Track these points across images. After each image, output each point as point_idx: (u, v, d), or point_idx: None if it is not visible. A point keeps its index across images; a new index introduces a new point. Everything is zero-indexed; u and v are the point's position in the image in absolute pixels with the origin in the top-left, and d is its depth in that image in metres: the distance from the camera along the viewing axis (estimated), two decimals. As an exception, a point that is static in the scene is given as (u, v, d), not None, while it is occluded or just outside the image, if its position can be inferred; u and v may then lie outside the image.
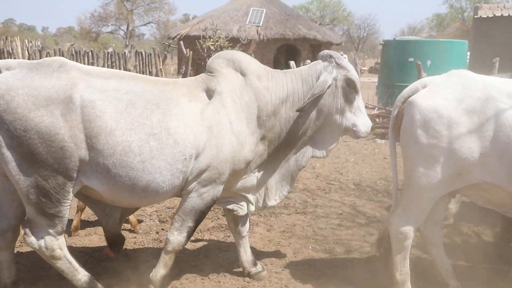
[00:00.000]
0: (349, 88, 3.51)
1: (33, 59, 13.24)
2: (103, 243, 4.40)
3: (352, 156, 8.69)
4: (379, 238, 3.65)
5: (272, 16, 23.85)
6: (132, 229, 4.71)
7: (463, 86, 3.10)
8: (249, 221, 3.93)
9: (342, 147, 9.12)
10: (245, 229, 3.76)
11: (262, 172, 3.58)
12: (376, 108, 12.25)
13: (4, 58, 12.06)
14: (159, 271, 3.34)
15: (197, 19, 24.98)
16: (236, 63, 3.43)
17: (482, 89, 3.04)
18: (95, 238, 4.53)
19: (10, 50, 14.55)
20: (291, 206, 5.63)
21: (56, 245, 3.04)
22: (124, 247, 3.98)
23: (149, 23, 48.75)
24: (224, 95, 3.28)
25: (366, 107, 4.36)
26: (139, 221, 4.89)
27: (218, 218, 5.14)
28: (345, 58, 3.75)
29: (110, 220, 3.60)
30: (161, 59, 17.83)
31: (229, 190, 3.49)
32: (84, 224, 4.80)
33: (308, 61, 12.74)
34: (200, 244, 4.44)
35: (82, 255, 4.02)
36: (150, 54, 18.41)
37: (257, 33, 22.86)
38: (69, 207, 3.05)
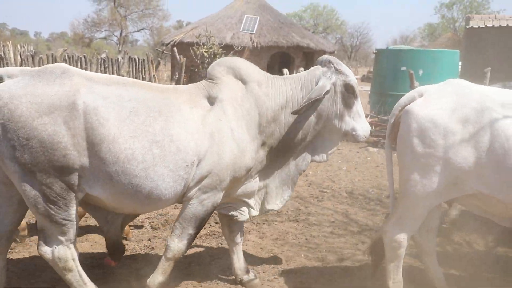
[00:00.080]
0: (348, 93, 3.53)
1: (25, 64, 13.24)
2: (95, 249, 4.37)
3: (345, 164, 8.71)
4: (372, 245, 3.66)
5: (266, 23, 23.91)
6: (125, 236, 4.68)
7: (459, 96, 3.11)
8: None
9: (335, 155, 9.13)
10: (239, 236, 3.75)
11: (262, 177, 3.58)
12: (369, 117, 12.29)
13: (-4, 63, 12.01)
14: (157, 277, 3.31)
15: (190, 26, 24.98)
16: (236, 71, 3.44)
17: (478, 99, 3.06)
18: (86, 245, 4.49)
19: (2, 55, 14.44)
20: (284, 213, 5.62)
21: (69, 255, 3.02)
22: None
23: (142, 29, 48.71)
24: (225, 102, 3.29)
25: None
26: (140, 227, 4.89)
27: (210, 225, 5.12)
28: None
29: (112, 227, 3.59)
30: (154, 65, 17.81)
31: (230, 196, 3.49)
32: (76, 230, 4.76)
33: (302, 68, 12.77)
34: (192, 251, 4.42)
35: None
36: (144, 60, 18.36)
37: (251, 41, 22.89)
38: (76, 212, 3.01)
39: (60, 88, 2.84)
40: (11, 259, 4.02)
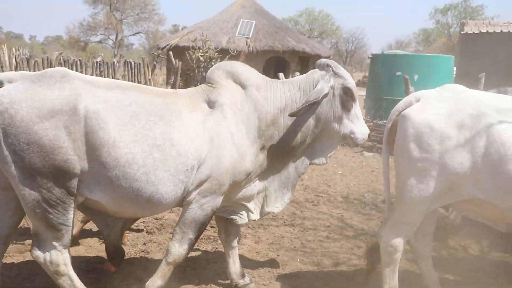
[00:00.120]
0: (346, 97, 3.54)
1: (20, 68, 13.17)
2: (90, 253, 4.35)
3: (340, 168, 8.72)
4: (368, 250, 3.66)
5: (262, 28, 23.97)
6: (119, 240, 4.66)
7: (456, 101, 3.13)
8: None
9: (330, 160, 9.11)
10: (236, 240, 3.75)
11: (261, 180, 3.58)
12: (364, 121, 12.32)
13: (-9, 66, 11.96)
14: (156, 281, 3.30)
15: (186, 30, 25.00)
16: (235, 75, 3.44)
17: (473, 105, 3.07)
18: (81, 249, 4.47)
19: (-3, 58, 14.39)
20: (279, 218, 5.62)
21: (61, 260, 3.00)
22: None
23: (138, 33, 48.70)
24: (225, 106, 3.30)
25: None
26: (135, 231, 4.89)
27: (206, 229, 5.10)
28: None
29: (112, 232, 3.57)
30: (150, 69, 17.79)
31: (229, 200, 3.49)
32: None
33: (297, 73, 12.79)
34: (187, 255, 4.40)
35: (67, 266, 3.96)
36: (139, 64, 18.33)
37: (247, 45, 22.93)
38: (73, 217, 3.01)
39: (61, 92, 2.83)
40: (5, 263, 3.99)
